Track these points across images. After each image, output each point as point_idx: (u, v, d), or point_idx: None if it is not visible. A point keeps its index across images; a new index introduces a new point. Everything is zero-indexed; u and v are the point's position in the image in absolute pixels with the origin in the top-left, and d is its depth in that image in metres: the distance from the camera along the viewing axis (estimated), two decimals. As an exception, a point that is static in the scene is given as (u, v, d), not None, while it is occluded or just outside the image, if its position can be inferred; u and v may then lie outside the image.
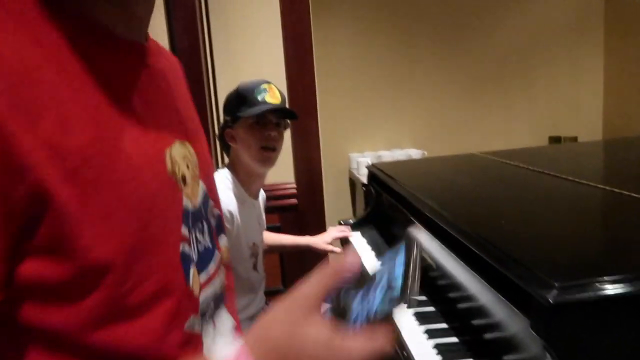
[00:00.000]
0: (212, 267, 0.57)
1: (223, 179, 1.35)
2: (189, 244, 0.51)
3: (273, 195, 2.51)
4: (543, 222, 1.05)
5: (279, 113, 1.36)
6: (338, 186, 3.12)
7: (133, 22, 0.50)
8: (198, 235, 0.54)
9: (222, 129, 1.39)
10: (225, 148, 1.42)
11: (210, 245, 0.58)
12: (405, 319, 1.12)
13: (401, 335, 1.06)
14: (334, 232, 1.76)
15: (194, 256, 0.52)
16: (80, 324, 0.40)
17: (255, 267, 1.41)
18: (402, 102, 3.17)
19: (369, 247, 1.65)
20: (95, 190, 0.40)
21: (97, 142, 0.41)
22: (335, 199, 2.99)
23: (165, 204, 0.48)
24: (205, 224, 0.57)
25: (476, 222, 1.07)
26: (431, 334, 1.03)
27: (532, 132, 3.32)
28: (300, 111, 2.47)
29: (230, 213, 1.27)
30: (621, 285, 0.65)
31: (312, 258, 2.55)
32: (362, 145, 3.14)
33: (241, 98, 1.33)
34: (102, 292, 0.41)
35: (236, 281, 1.34)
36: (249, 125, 1.33)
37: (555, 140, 3.31)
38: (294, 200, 2.53)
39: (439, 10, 3.06)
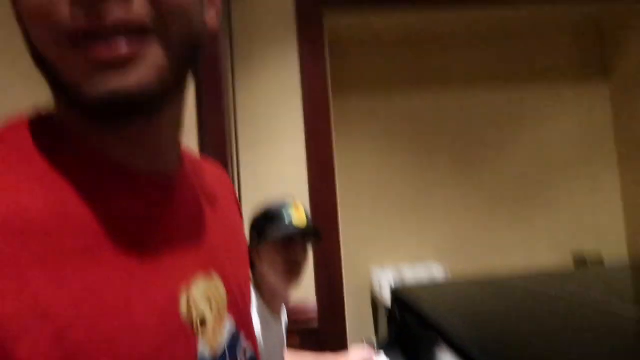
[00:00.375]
0: None
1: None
2: None
3: (293, 319, 2.46)
4: (576, 355, 1.01)
5: (305, 234, 1.41)
6: (359, 300, 3.06)
7: (154, 157, 0.47)
8: None
9: (249, 247, 1.43)
10: (251, 267, 1.45)
11: None
12: None
13: None
14: (359, 353, 1.70)
15: None
16: None
17: None
18: (422, 217, 3.21)
19: (395, 377, 1.59)
20: (85, 353, 0.35)
21: (91, 296, 0.36)
22: (356, 318, 2.92)
23: (173, 357, 0.41)
24: None
25: (507, 354, 1.03)
26: None
27: (553, 247, 3.28)
28: (322, 226, 2.51)
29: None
30: None
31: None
32: (383, 258, 3.14)
33: (268, 219, 1.39)
34: None
35: None
36: (276, 245, 1.37)
37: (579, 259, 3.25)
38: (314, 319, 2.48)
39: (458, 127, 3.20)
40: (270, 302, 1.40)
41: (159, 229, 0.45)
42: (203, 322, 0.45)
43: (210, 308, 0.46)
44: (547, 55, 3.26)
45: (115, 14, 0.36)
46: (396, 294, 1.83)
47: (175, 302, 0.43)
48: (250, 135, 2.31)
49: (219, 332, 0.47)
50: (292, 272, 1.38)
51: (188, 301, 0.44)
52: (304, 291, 2.52)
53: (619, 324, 1.23)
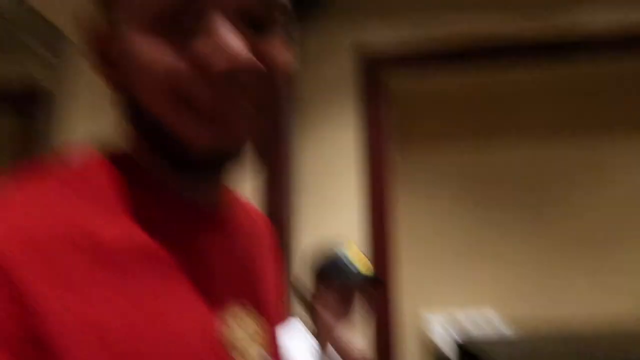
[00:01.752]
0: None
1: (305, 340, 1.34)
2: None
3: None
4: None
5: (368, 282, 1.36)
6: (411, 346, 2.93)
7: (204, 189, 0.50)
8: None
9: (310, 293, 1.39)
10: (311, 313, 1.40)
11: None
12: None
13: None
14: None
15: None
16: None
17: None
18: (479, 264, 3.08)
19: None
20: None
21: (140, 311, 0.39)
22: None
23: None
24: None
25: None
26: None
27: (619, 304, 3.07)
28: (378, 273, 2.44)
29: None
30: None
31: None
32: (435, 305, 3.01)
33: (332, 264, 1.36)
34: None
35: None
36: (341, 292, 1.33)
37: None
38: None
39: (521, 175, 3.10)
40: (324, 348, 1.34)
41: (200, 257, 0.47)
42: (235, 348, 0.45)
43: (244, 337, 0.47)
44: (621, 104, 3.15)
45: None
46: (464, 348, 1.73)
47: (213, 324, 0.44)
48: (310, 193, 2.31)
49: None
50: (351, 319, 1.32)
51: (227, 325, 0.45)
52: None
53: None
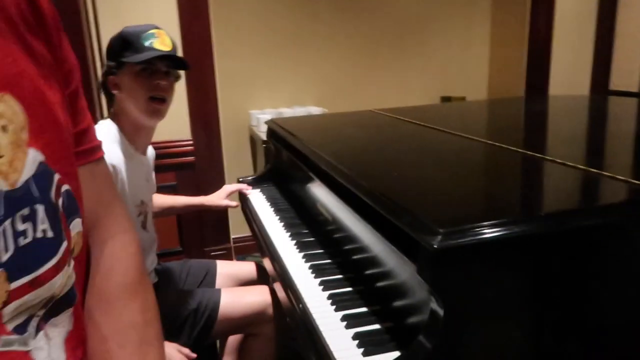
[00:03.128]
0: (48, 265, 0.42)
1: (107, 131, 1.24)
2: None
3: (168, 153, 2.39)
4: (432, 174, 1.10)
5: (168, 61, 1.25)
6: (238, 145, 3.03)
7: None
8: (18, 225, 0.39)
9: (105, 75, 1.26)
10: (108, 97, 1.29)
11: (51, 235, 0.43)
12: (301, 271, 1.13)
13: (296, 288, 1.06)
14: (228, 187, 1.71)
15: (3, 256, 0.38)
16: None
17: (144, 227, 1.32)
18: (302, 60, 3.12)
19: (267, 203, 1.64)
20: None
21: None
22: (236, 158, 2.92)
23: None
24: (40, 207, 0.42)
25: (370, 175, 1.09)
26: (326, 285, 1.05)
27: (425, 91, 3.46)
28: (195, 63, 2.35)
29: (114, 167, 1.16)
30: (498, 229, 0.69)
31: (209, 217, 2.49)
32: (262, 103, 3.08)
33: (126, 42, 1.21)
34: None
35: None
36: (135, 72, 1.21)
37: (446, 100, 3.50)
38: (191, 158, 2.43)
39: None
40: (132, 136, 1.28)
41: None
42: None
43: (4, 132, 0.39)
44: None
45: None
46: (271, 125, 1.82)
47: None
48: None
49: (18, 163, 0.39)
50: (155, 105, 1.23)
51: None
52: (180, 130, 2.42)
53: (470, 147, 1.34)
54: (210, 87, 2.42)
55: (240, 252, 2.86)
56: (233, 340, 1.53)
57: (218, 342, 1.56)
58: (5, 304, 0.38)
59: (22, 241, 0.39)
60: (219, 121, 2.48)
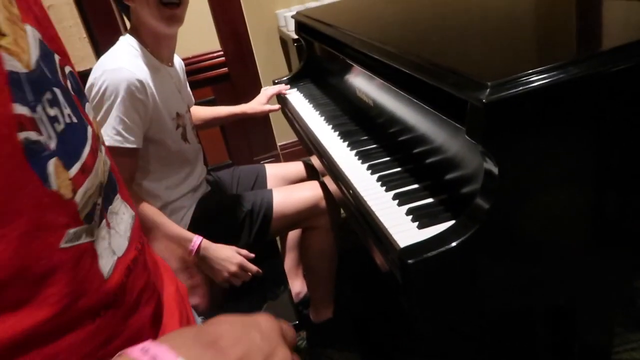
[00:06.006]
0: (87, 150, 0.39)
1: (127, 46, 1.20)
2: (34, 127, 0.33)
3: (201, 67, 2.35)
4: (474, 32, 1.01)
5: None
6: (269, 48, 2.93)
7: None
8: (49, 110, 0.35)
9: None
10: (124, 10, 1.24)
11: (75, 120, 0.39)
12: (347, 159, 1.11)
13: (345, 175, 1.05)
14: (267, 91, 1.67)
15: (51, 143, 0.35)
16: None
17: (185, 139, 1.32)
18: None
19: (306, 101, 1.60)
20: None
21: None
22: (269, 62, 2.83)
23: None
24: (57, 90, 0.37)
25: (407, 46, 1.01)
26: (374, 168, 1.03)
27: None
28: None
29: (142, 82, 1.13)
30: (552, 74, 0.63)
31: (253, 124, 2.49)
32: (288, 0, 2.92)
33: None
34: None
35: (168, 155, 1.28)
36: None
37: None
38: (224, 69, 2.38)
39: None
40: (153, 48, 1.23)
41: None
42: None
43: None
44: None
45: None
46: (299, 17, 1.72)
47: None
48: None
49: (24, 42, 0.35)
50: (169, 9, 1.16)
51: None
52: (208, 42, 2.35)
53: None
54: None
55: (288, 159, 2.88)
56: (292, 236, 1.58)
57: (278, 239, 1.61)
58: (74, 192, 0.36)
59: (58, 127, 0.36)
60: (246, 26, 2.38)
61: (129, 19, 1.26)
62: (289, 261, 1.61)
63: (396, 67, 0.92)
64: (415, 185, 0.93)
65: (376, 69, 1.08)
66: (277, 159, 2.61)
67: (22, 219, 0.32)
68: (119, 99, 1.09)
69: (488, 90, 0.61)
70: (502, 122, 0.63)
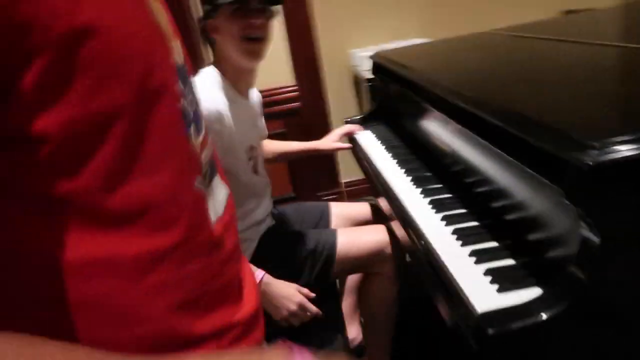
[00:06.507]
0: (204, 129, 0.52)
1: (209, 76, 1.24)
2: (186, 100, 0.47)
3: (274, 101, 2.40)
4: (564, 86, 0.95)
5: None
6: (342, 86, 2.95)
7: None
8: (188, 94, 0.49)
9: (203, 20, 1.25)
10: (210, 43, 1.29)
11: (197, 108, 0.52)
12: (420, 207, 1.06)
13: (417, 224, 1.00)
14: (339, 130, 1.66)
15: (190, 113, 0.48)
16: (93, 185, 0.37)
17: (255, 171, 1.33)
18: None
19: (378, 142, 1.57)
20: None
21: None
22: (340, 100, 2.85)
23: (160, 53, 0.44)
24: (190, 83, 0.51)
25: (494, 96, 0.97)
26: (449, 219, 0.97)
27: (543, 5, 3.06)
28: (291, 4, 2.29)
29: (220, 112, 1.16)
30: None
31: (320, 162, 2.50)
32: (363, 41, 2.95)
33: None
34: (112, 143, 0.37)
35: (238, 186, 1.29)
36: (229, 13, 1.19)
37: (569, 13, 3.08)
38: (297, 104, 2.42)
39: None
40: (234, 80, 1.26)
41: None
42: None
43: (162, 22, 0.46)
44: None
45: None
46: (377, 59, 1.72)
47: (149, 10, 0.43)
48: None
49: (175, 47, 0.48)
50: (251, 44, 1.19)
51: (152, 6, 0.44)
52: (282, 77, 2.41)
53: (606, 53, 1.14)
54: (308, 28, 2.35)
55: (352, 197, 2.85)
56: (353, 279, 1.53)
57: (338, 281, 1.57)
58: (201, 152, 0.49)
59: (193, 107, 0.49)
60: (321, 64, 2.42)
61: (214, 51, 1.30)
62: (347, 305, 1.56)
63: (481, 116, 0.87)
64: (495, 243, 0.86)
65: (458, 114, 1.04)
66: (340, 196, 2.59)
67: (177, 159, 0.44)
68: None
69: (596, 151, 0.56)
70: (608, 186, 0.57)
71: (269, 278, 1.16)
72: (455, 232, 0.93)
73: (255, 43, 1.21)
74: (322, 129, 2.20)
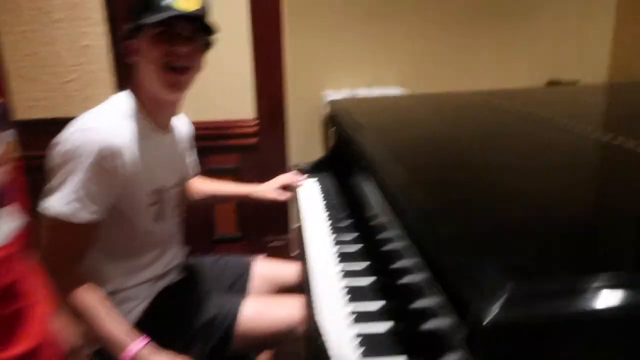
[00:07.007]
0: None
1: (118, 105, 1.05)
2: None
3: (232, 134, 2.23)
4: (518, 191, 0.79)
5: (192, 23, 1.04)
6: (309, 127, 2.81)
7: None
8: None
9: (122, 39, 1.08)
10: (129, 65, 1.11)
11: None
12: (331, 290, 0.88)
13: (318, 311, 0.82)
14: (280, 178, 1.49)
15: None
16: None
17: (159, 218, 1.13)
18: (385, 36, 2.81)
19: (320, 197, 1.40)
20: None
21: None
22: (306, 141, 2.71)
23: None
24: None
25: (424, 187, 0.81)
26: (359, 315, 0.79)
27: (531, 74, 2.98)
28: (262, 39, 2.15)
29: (116, 150, 0.97)
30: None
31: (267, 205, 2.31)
32: (339, 83, 2.82)
33: (145, 1, 1.02)
34: None
35: (132, 236, 1.05)
36: (152, 36, 1.02)
37: (554, 84, 2.99)
38: (254, 140, 2.25)
39: None
40: (150, 111, 1.08)
41: None
42: None
43: None
44: None
45: None
46: (332, 106, 1.57)
47: None
48: None
49: None
50: (173, 75, 1.02)
51: None
52: (243, 110, 2.25)
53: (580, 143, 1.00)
54: (278, 66, 2.21)
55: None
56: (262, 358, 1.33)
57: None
58: None
59: None
60: (285, 102, 2.27)
61: (132, 75, 1.13)
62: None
63: (398, 212, 0.71)
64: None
65: (385, 193, 0.87)
66: (289, 244, 2.40)
67: None
68: (83, 164, 0.93)
69: (497, 307, 0.39)
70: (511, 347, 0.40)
71: (149, 350, 0.96)
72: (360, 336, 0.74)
73: (177, 74, 1.05)
74: (279, 169, 2.02)
